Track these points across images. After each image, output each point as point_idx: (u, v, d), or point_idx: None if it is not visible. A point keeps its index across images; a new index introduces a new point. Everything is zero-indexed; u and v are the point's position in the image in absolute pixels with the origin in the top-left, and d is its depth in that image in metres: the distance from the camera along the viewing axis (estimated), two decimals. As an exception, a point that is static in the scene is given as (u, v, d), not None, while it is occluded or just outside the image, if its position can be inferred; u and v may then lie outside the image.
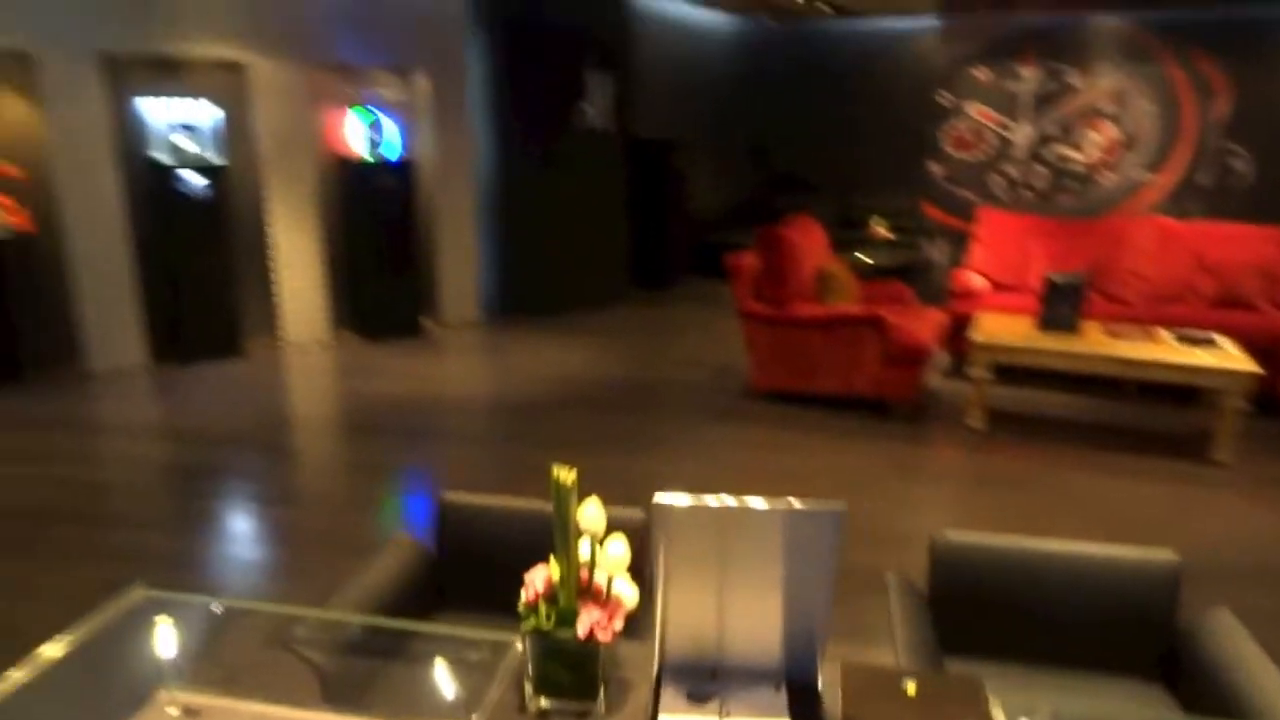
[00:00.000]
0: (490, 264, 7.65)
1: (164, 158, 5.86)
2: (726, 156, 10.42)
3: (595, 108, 7.49)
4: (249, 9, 6.02)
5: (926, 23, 8.05)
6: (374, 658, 1.97)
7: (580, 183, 7.64)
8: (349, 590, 2.12)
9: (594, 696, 1.40)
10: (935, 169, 7.11)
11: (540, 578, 1.39)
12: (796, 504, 1.22)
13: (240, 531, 3.94)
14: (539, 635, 1.35)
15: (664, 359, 6.54)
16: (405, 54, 6.71)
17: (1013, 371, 5.40)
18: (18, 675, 1.54)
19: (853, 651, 2.90)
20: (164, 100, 5.86)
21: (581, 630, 1.33)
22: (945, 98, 6.95)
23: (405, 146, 6.77)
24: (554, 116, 7.39)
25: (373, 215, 6.64)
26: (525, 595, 1.38)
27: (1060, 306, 4.97)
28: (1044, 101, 6.67)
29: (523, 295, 7.70)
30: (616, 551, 1.37)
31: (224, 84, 6.13)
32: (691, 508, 1.23)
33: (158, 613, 1.81)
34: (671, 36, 9.10)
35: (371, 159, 6.60)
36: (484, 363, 6.60)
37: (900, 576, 2.30)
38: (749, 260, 5.45)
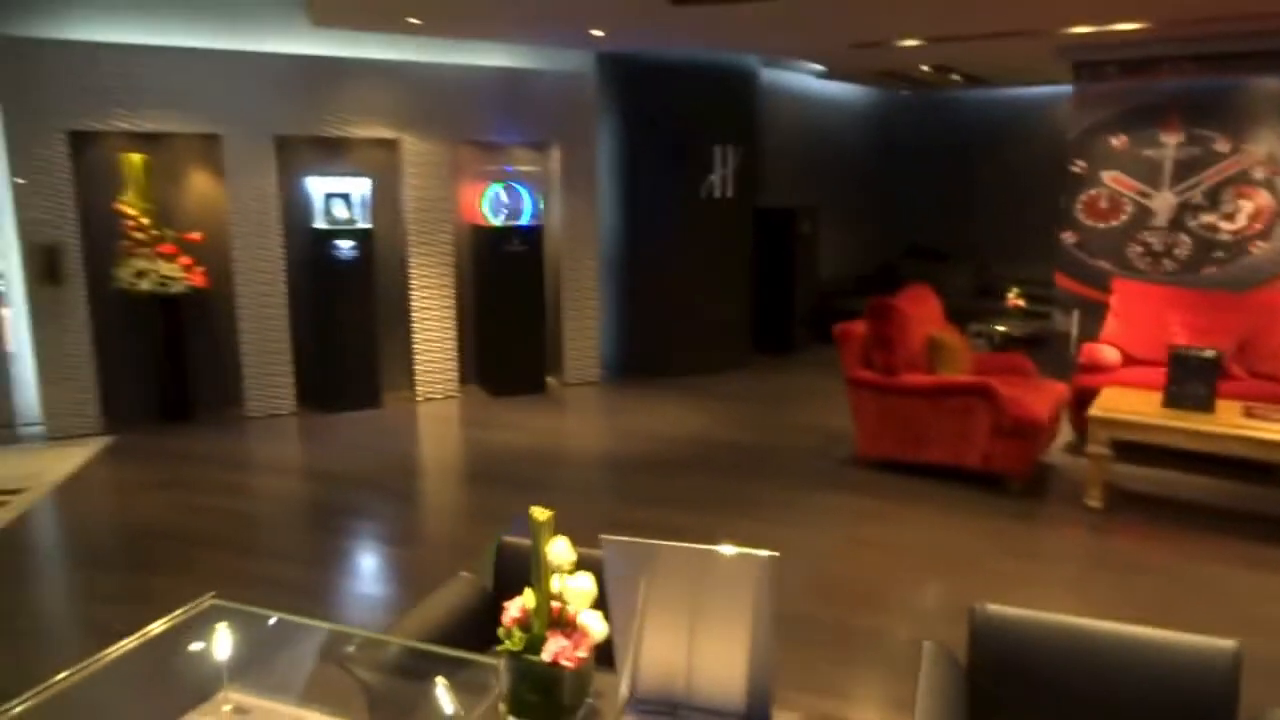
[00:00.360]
0: (614, 326, 7.94)
1: (321, 224, 6.51)
2: (857, 224, 10.40)
3: (720, 177, 7.71)
4: (406, 95, 6.67)
5: (1060, 90, 7.85)
6: (418, 680, 2.14)
7: (704, 249, 7.83)
8: (408, 619, 2.32)
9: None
10: (1068, 238, 6.84)
11: (517, 606, 1.52)
12: (727, 549, 1.30)
13: (363, 567, 4.29)
14: (512, 658, 1.48)
15: (778, 424, 6.55)
16: (541, 132, 7.21)
17: (1144, 450, 5.08)
18: (110, 653, 1.81)
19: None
20: (326, 175, 6.55)
21: (548, 655, 1.44)
22: (1079, 165, 6.71)
23: (536, 214, 7.21)
24: (680, 187, 7.66)
25: (504, 278, 7.08)
26: (504, 621, 1.52)
27: (1189, 382, 4.66)
28: (1187, 168, 6.33)
29: (645, 357, 7.92)
30: (583, 585, 1.49)
31: (378, 159, 6.79)
32: (634, 545, 1.34)
33: (227, 621, 2.05)
34: (800, 107, 9.27)
35: (504, 226, 7.06)
36: (602, 421, 6.84)
37: (939, 646, 2.26)
38: (857, 328, 5.44)
